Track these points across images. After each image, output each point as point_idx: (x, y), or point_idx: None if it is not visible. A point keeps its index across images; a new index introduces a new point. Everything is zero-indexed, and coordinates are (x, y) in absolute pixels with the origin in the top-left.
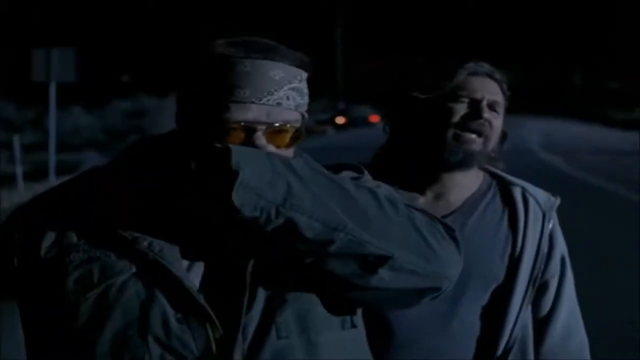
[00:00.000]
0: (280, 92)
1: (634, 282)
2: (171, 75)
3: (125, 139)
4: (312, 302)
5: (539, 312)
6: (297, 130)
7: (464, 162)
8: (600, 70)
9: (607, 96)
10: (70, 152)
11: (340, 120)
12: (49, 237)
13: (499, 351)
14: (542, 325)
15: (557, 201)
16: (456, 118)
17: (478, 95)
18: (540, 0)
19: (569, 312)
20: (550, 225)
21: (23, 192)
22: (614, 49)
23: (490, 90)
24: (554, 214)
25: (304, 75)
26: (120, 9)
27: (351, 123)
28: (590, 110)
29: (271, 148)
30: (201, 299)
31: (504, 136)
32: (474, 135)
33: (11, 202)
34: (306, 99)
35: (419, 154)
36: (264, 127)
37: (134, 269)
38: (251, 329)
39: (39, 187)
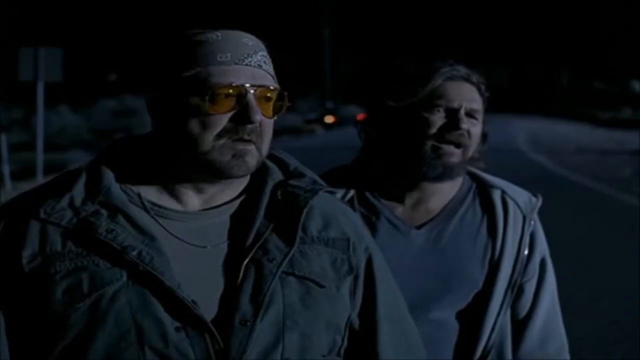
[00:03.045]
0: (257, 56)
1: (619, 282)
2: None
3: (112, 138)
4: (317, 326)
5: (517, 314)
6: (279, 99)
7: (444, 175)
8: (586, 71)
9: (593, 96)
10: (57, 152)
11: (329, 119)
12: (31, 245)
13: (477, 354)
14: (520, 327)
15: (539, 202)
16: (433, 130)
17: (455, 104)
18: (528, 1)
19: (547, 314)
20: (531, 228)
21: (10, 192)
22: (599, 50)
23: (468, 96)
24: (535, 216)
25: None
26: (106, 8)
27: (340, 122)
28: (577, 110)
29: (260, 115)
30: (197, 309)
31: (485, 137)
32: (452, 147)
33: None
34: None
35: (396, 167)
36: (252, 89)
37: (124, 278)
38: (257, 345)
39: (27, 186)
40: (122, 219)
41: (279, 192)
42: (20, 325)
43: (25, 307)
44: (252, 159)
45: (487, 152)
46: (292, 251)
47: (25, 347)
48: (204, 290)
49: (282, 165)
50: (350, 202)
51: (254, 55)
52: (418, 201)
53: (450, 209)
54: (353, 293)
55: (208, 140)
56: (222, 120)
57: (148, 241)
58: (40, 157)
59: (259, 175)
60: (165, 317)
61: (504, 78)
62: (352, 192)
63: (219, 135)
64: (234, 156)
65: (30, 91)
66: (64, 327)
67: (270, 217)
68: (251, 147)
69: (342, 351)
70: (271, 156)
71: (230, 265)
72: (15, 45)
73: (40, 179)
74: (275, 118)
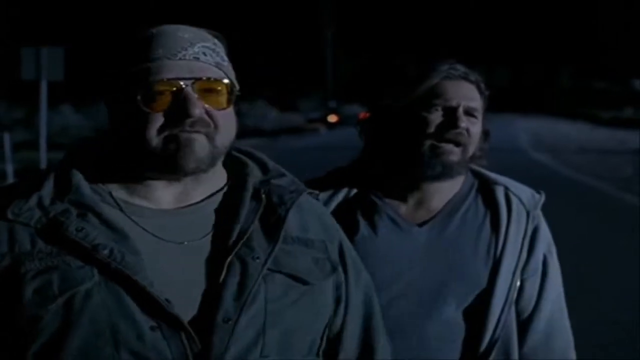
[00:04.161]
0: (195, 48)
1: (620, 282)
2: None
3: None
4: (298, 324)
5: (521, 311)
6: (229, 89)
7: (443, 174)
8: (587, 71)
9: (594, 96)
10: (59, 151)
11: (332, 118)
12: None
13: (480, 351)
14: (524, 324)
15: (542, 198)
16: (432, 128)
17: (454, 103)
18: (529, 1)
19: (552, 311)
20: (534, 224)
21: None
22: (600, 49)
23: (466, 95)
24: (539, 212)
25: (219, 43)
26: (108, 8)
27: (343, 121)
28: (579, 109)
29: (207, 108)
30: (171, 307)
31: (487, 135)
32: (451, 146)
33: None
34: (228, 65)
35: (396, 167)
36: (189, 82)
37: (96, 277)
38: (238, 343)
39: None
40: (92, 217)
41: (262, 190)
42: None
43: None
44: (202, 149)
45: (488, 151)
46: (276, 249)
47: None
48: (182, 288)
49: (259, 163)
50: (352, 201)
51: (190, 48)
52: (420, 200)
53: (452, 207)
54: (337, 294)
55: (151, 137)
56: (160, 117)
57: (120, 239)
58: (43, 156)
59: (239, 172)
60: (140, 317)
61: (504, 78)
62: (354, 192)
63: (160, 131)
64: (179, 146)
65: (32, 90)
66: (37, 328)
67: (253, 214)
68: (197, 136)
69: (320, 351)
70: (249, 155)
71: (212, 262)
72: (18, 45)
73: None
74: (228, 108)
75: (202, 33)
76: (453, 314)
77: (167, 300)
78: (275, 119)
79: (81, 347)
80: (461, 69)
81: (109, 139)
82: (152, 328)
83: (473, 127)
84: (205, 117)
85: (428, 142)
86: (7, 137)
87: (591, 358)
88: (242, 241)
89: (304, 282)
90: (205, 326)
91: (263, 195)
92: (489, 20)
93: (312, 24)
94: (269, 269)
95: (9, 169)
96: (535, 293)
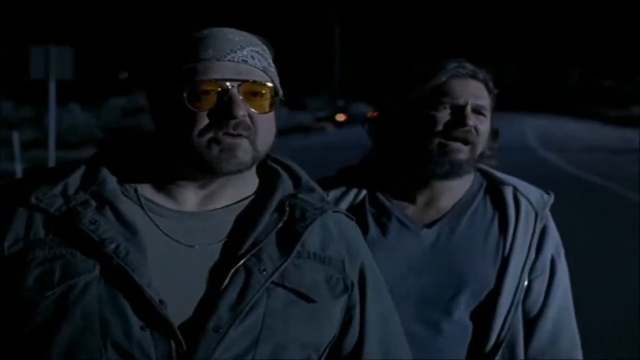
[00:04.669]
0: (244, 52)
1: (627, 281)
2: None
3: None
4: (294, 340)
5: (528, 312)
6: (274, 94)
7: (452, 173)
8: (596, 69)
9: (603, 94)
10: (68, 150)
11: (340, 117)
12: (15, 231)
13: (487, 351)
14: (531, 325)
15: (551, 199)
16: (440, 127)
17: (462, 101)
18: (535, 1)
19: (559, 312)
20: (542, 225)
21: None
22: (609, 48)
23: (474, 93)
24: (548, 213)
25: (267, 49)
26: (117, 7)
27: (352, 120)
28: (587, 108)
29: (249, 111)
30: (164, 309)
31: (496, 134)
32: (460, 144)
33: None
34: (274, 70)
35: (405, 166)
36: (235, 84)
37: (97, 271)
38: (227, 352)
39: None
40: (109, 211)
41: (287, 204)
42: None
43: None
44: (245, 154)
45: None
46: (286, 264)
47: None
48: (182, 291)
49: (294, 177)
50: (362, 203)
51: (239, 51)
52: (429, 200)
53: (461, 207)
54: (347, 315)
55: (194, 137)
56: (205, 117)
57: (129, 235)
58: (52, 155)
59: (271, 181)
60: (132, 315)
61: (511, 77)
62: (364, 193)
63: (205, 131)
64: (222, 150)
65: (41, 90)
66: (32, 314)
67: (272, 226)
68: (241, 141)
69: None
70: (285, 167)
71: (218, 269)
72: (26, 45)
73: None
74: (270, 112)
75: (252, 38)
76: (462, 314)
77: (161, 301)
78: (283, 118)
79: (71, 338)
80: (469, 67)
81: (147, 135)
82: (142, 327)
83: (481, 126)
84: (248, 120)
85: (436, 141)
86: (16, 136)
87: (592, 358)
88: (252, 252)
89: (308, 300)
90: (194, 332)
91: (287, 209)
92: (496, 21)
93: (319, 21)
94: (273, 283)
95: (18, 168)
96: (542, 293)
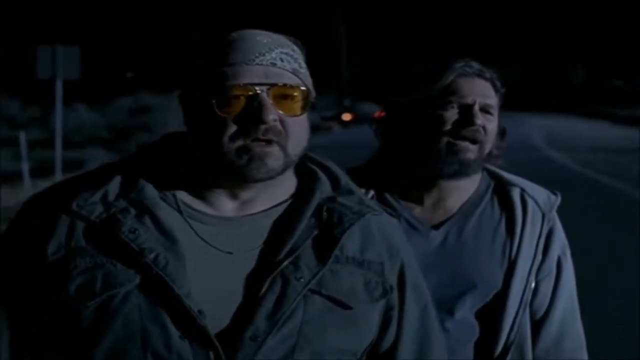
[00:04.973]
0: (272, 54)
1: (624, 281)
2: (174, 72)
3: (129, 136)
4: (331, 346)
5: (534, 312)
6: (305, 96)
7: (460, 172)
8: (603, 68)
9: (610, 94)
10: (74, 149)
11: (347, 117)
12: (57, 238)
13: (497, 353)
14: (537, 326)
15: (558, 200)
16: (448, 126)
17: (469, 100)
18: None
19: (564, 312)
20: (549, 226)
21: (29, 189)
22: (616, 47)
23: (481, 92)
24: (554, 214)
25: (297, 49)
26: (123, 7)
27: (358, 120)
28: (594, 107)
29: (280, 115)
30: (202, 319)
31: (503, 133)
32: (467, 143)
33: (17, 199)
34: (305, 71)
35: (412, 165)
36: (264, 88)
37: (137, 281)
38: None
39: (45, 184)
40: (148, 219)
41: (324, 208)
42: (34, 317)
43: (41, 299)
44: (275, 161)
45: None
46: (323, 271)
47: (35, 340)
48: (220, 299)
49: (333, 179)
50: None
51: (267, 54)
52: (436, 201)
53: (468, 208)
54: (385, 317)
55: (223, 142)
56: (235, 122)
57: (169, 244)
58: (58, 155)
59: (309, 183)
60: (171, 324)
61: (517, 77)
62: (371, 193)
63: (234, 137)
64: (251, 158)
65: (47, 89)
66: (74, 322)
67: (309, 231)
68: (271, 149)
69: None
70: (323, 167)
71: (255, 276)
72: (33, 44)
73: (59, 177)
74: (302, 115)
75: (281, 39)
76: (466, 314)
77: (199, 311)
78: None
79: (112, 347)
80: (476, 66)
81: (181, 140)
82: (181, 337)
83: (489, 124)
84: (278, 124)
85: (444, 140)
86: (22, 136)
87: (592, 358)
88: (289, 259)
89: (345, 306)
90: (232, 341)
91: (325, 213)
92: (506, 17)
93: (325, 21)
94: (310, 290)
95: (25, 167)
96: (549, 294)
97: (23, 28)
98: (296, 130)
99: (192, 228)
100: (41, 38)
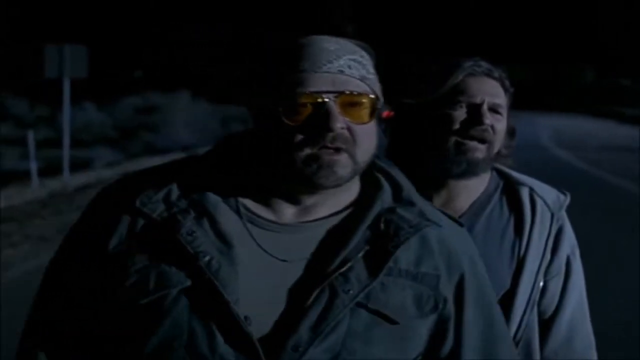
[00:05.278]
0: (340, 61)
1: (625, 281)
2: (180, 72)
3: (136, 135)
4: (374, 358)
5: (543, 312)
6: (373, 103)
7: (468, 172)
8: (611, 68)
9: (618, 93)
10: (82, 148)
11: None
12: (119, 233)
13: None
14: (546, 326)
15: (567, 200)
16: (456, 125)
17: (477, 100)
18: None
19: (573, 312)
20: (558, 226)
21: (37, 188)
22: (623, 46)
23: (490, 91)
24: (563, 214)
25: (366, 55)
26: (131, 6)
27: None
28: (601, 106)
29: (347, 122)
30: (247, 326)
31: (512, 132)
32: (476, 143)
33: (25, 198)
34: (374, 78)
35: (421, 165)
36: (331, 95)
37: (188, 283)
38: None
39: (53, 183)
40: (207, 222)
41: (382, 219)
42: (84, 307)
43: (96, 291)
44: (344, 169)
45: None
46: (372, 284)
47: (83, 330)
48: (267, 305)
49: (395, 188)
50: None
51: (335, 61)
52: (445, 201)
53: (477, 207)
54: (439, 329)
55: (291, 151)
56: (302, 130)
57: (224, 249)
58: (66, 154)
59: (370, 192)
60: (217, 328)
61: (524, 77)
62: None
63: (302, 145)
64: (320, 167)
65: (55, 88)
66: (124, 318)
67: (363, 243)
68: (340, 157)
69: None
70: (389, 177)
71: (305, 285)
72: (41, 43)
73: (67, 176)
74: (370, 122)
75: (349, 45)
76: None
77: (246, 317)
78: None
79: (158, 346)
80: (485, 65)
81: (248, 142)
82: (225, 341)
83: (498, 124)
84: (346, 132)
85: (453, 139)
86: (30, 135)
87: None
88: (340, 270)
89: (391, 321)
90: (275, 349)
91: (382, 225)
92: (512, 16)
93: (333, 20)
94: (357, 303)
95: (33, 166)
96: (557, 294)
97: (30, 27)
98: (364, 138)
99: (250, 233)
100: (49, 37)
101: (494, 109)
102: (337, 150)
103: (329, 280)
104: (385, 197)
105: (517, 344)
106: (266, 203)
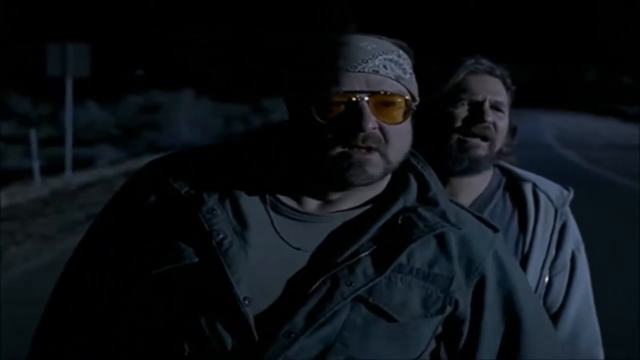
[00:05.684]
0: (376, 61)
1: (628, 279)
2: (183, 70)
3: (139, 133)
4: (371, 356)
5: (548, 308)
6: (407, 103)
7: (471, 169)
8: (612, 67)
9: (620, 91)
10: (84, 147)
11: None
12: (149, 205)
13: None
14: (552, 321)
15: (571, 195)
16: (458, 123)
17: (479, 97)
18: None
19: (579, 307)
20: (562, 221)
21: (40, 187)
22: (623, 45)
23: (492, 89)
24: (567, 209)
25: (403, 54)
26: (134, 4)
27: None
28: (605, 105)
29: (380, 122)
30: (245, 307)
31: (514, 130)
32: (478, 140)
33: (27, 197)
34: (411, 78)
35: None
36: (365, 95)
37: (196, 259)
38: (295, 358)
39: (56, 182)
40: (228, 203)
41: (400, 217)
42: (109, 275)
43: (121, 262)
44: (375, 168)
45: (515, 147)
46: (377, 280)
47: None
48: (273, 290)
49: (423, 187)
50: None
51: (370, 61)
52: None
53: (480, 204)
54: (451, 331)
55: (322, 149)
56: (334, 129)
57: (239, 229)
58: (69, 153)
59: (397, 189)
60: (218, 306)
61: (527, 76)
62: None
63: (334, 144)
64: (351, 165)
65: (58, 87)
66: (137, 288)
67: (378, 238)
68: (372, 156)
69: None
70: (418, 175)
71: (311, 274)
72: (44, 42)
73: (69, 174)
74: (404, 122)
75: (386, 44)
76: None
77: (246, 298)
78: None
79: (163, 318)
80: (486, 63)
81: (283, 134)
82: (223, 319)
83: (500, 122)
84: (378, 132)
85: (455, 137)
86: (33, 134)
87: None
88: (347, 262)
89: (390, 318)
90: (269, 333)
91: (399, 222)
92: (515, 16)
93: (334, 18)
94: (358, 297)
95: (35, 165)
96: (563, 290)
97: (32, 27)
98: (397, 138)
99: (270, 219)
100: (51, 36)
101: (495, 107)
102: (369, 149)
103: (334, 271)
104: (410, 196)
105: None
106: (292, 193)
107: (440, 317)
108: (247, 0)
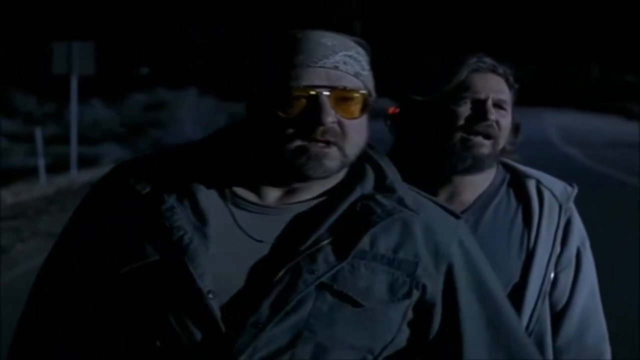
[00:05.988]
0: (336, 57)
1: (631, 278)
2: (183, 70)
3: (144, 131)
4: (339, 342)
5: (554, 304)
6: (365, 99)
7: (474, 167)
8: (614, 65)
9: (623, 89)
10: (89, 145)
11: None
12: (113, 207)
13: None
14: (557, 318)
15: (575, 191)
16: (461, 121)
17: (482, 96)
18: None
19: (585, 303)
20: (566, 217)
21: (45, 185)
22: (626, 45)
23: (494, 87)
24: (572, 205)
25: (361, 51)
26: (129, 6)
27: (373, 116)
28: (609, 103)
29: (338, 117)
30: (210, 300)
31: (517, 128)
32: (481, 138)
33: (32, 195)
34: (368, 74)
35: (427, 160)
36: (325, 90)
37: (160, 255)
38: (265, 348)
39: (61, 180)
40: (187, 200)
41: (358, 204)
42: (80, 286)
43: (89, 263)
44: (333, 161)
45: (518, 145)
46: (339, 267)
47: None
48: (236, 283)
49: (380, 176)
50: None
51: (330, 56)
52: (451, 195)
53: (484, 201)
54: (422, 316)
55: (282, 142)
56: (294, 122)
57: (199, 225)
58: (74, 151)
59: (353, 179)
60: (183, 300)
61: (531, 75)
62: None
63: (293, 137)
64: (309, 158)
65: (63, 85)
66: (103, 289)
67: (337, 227)
68: (330, 150)
69: None
70: (375, 164)
71: (274, 265)
72: (49, 40)
73: (74, 172)
74: (361, 117)
75: (346, 41)
76: None
77: (209, 291)
78: None
79: (133, 317)
80: (489, 61)
81: (242, 127)
82: (190, 314)
83: (503, 120)
84: (336, 126)
85: (458, 135)
86: (38, 132)
87: None
88: (308, 252)
89: (355, 304)
90: (236, 325)
91: (357, 209)
92: (518, 14)
93: (338, 16)
94: (322, 284)
95: (41, 163)
96: (568, 286)
97: (37, 26)
98: (354, 133)
99: (232, 214)
100: (57, 34)
101: (498, 105)
102: (327, 143)
103: (296, 261)
104: (367, 185)
105: (530, 335)
106: (251, 187)
107: (407, 302)
108: (247, 0)
